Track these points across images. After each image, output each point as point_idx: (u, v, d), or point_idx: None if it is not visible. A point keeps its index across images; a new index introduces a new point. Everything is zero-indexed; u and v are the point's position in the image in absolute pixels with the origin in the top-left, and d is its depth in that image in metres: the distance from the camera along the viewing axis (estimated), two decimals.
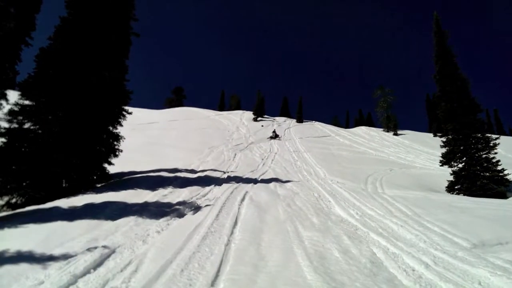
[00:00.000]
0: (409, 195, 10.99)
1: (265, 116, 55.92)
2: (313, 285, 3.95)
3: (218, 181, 12.41)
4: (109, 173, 12.22)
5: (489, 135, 14.65)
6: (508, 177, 13.40)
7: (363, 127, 47.51)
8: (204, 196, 9.95)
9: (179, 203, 8.79)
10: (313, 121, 54.16)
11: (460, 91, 15.24)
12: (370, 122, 63.00)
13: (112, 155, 12.33)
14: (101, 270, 4.50)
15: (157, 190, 10.24)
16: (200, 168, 15.31)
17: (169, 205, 8.63)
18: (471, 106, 14.95)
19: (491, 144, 14.04)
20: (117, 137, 12.55)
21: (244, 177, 14.02)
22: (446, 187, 13.82)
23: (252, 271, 4.44)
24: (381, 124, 45.86)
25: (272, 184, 12.36)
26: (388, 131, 41.79)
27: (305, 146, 27.55)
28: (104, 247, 5.25)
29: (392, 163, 20.80)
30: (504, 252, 5.50)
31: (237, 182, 12.31)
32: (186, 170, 14.47)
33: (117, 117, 12.67)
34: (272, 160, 20.27)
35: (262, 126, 43.11)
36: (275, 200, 9.60)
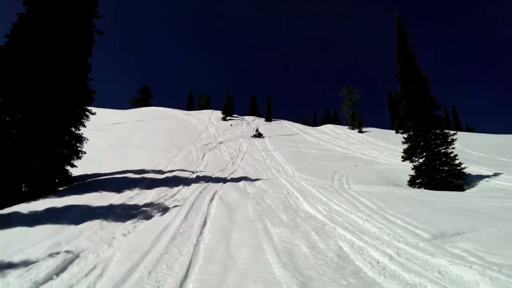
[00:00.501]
0: (373, 190, 11.36)
1: (234, 115, 55.81)
2: (282, 281, 3.99)
3: (186, 181, 12.26)
4: (72, 175, 11.74)
5: (447, 131, 15.40)
6: (464, 170, 14.18)
7: (329, 125, 48.62)
8: (172, 197, 9.79)
9: (146, 205, 8.60)
10: (282, 120, 54.72)
11: (421, 89, 15.92)
12: (336, 120, 64.62)
13: (75, 157, 11.86)
14: (65, 275, 4.32)
15: (123, 192, 9.96)
16: (168, 169, 15.05)
17: (135, 207, 8.42)
18: (430, 104, 15.66)
19: (449, 140, 14.80)
20: (80, 139, 12.08)
21: (214, 176, 13.93)
22: (408, 181, 14.41)
23: (221, 270, 4.43)
24: (346, 122, 47.16)
25: (241, 183, 12.37)
26: (353, 129, 42.98)
27: (274, 144, 27.78)
28: (68, 252, 5.05)
29: (358, 159, 21.42)
30: (461, 242, 5.82)
31: (206, 182, 12.21)
32: (154, 171, 14.18)
33: (79, 117, 12.19)
34: (242, 159, 20.28)
35: (231, 125, 42.98)
36: (245, 199, 9.62)
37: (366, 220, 7.41)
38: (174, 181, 12.09)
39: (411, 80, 16.07)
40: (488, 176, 14.08)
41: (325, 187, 11.95)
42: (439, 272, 4.40)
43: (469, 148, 24.49)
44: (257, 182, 12.75)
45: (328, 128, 44.97)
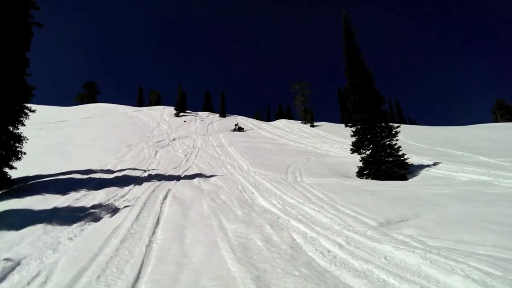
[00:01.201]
0: (325, 182, 11.76)
1: (188, 111, 54.84)
2: (237, 276, 4.00)
3: (138, 180, 11.84)
4: (11, 178, 10.83)
5: (392, 124, 16.32)
6: (407, 161, 15.12)
7: (283, 120, 49.43)
8: (122, 197, 9.40)
9: (94, 206, 8.18)
10: (236, 115, 54.70)
11: (367, 85, 16.69)
12: (289, 115, 65.75)
13: (13, 158, 10.93)
14: (4, 286, 3.99)
15: (68, 194, 9.38)
16: (118, 168, 14.43)
17: (83, 209, 7.98)
18: (376, 98, 16.48)
19: (393, 132, 15.68)
20: (19, 138, 11.15)
21: (167, 174, 13.60)
22: (357, 172, 15.09)
23: (175, 269, 4.34)
24: (299, 117, 48.21)
25: (196, 180, 12.21)
26: (305, 123, 44.09)
27: (228, 140, 27.70)
28: (7, 259, 4.67)
29: (310, 153, 22.01)
30: (405, 228, 6.21)
31: (159, 180, 11.89)
32: (102, 171, 13.51)
33: (18, 115, 11.24)
34: (196, 155, 20.00)
35: (185, 121, 42.20)
36: (199, 196, 9.51)
37: (318, 211, 7.65)
38: (124, 181, 11.62)
39: (358, 75, 16.78)
40: (429, 166, 15.13)
41: (279, 181, 12.15)
42: (385, 258, 4.66)
43: (411, 139, 26.12)
44: (212, 178, 12.65)
45: (282, 123, 45.70)
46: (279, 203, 8.74)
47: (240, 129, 34.88)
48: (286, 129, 38.47)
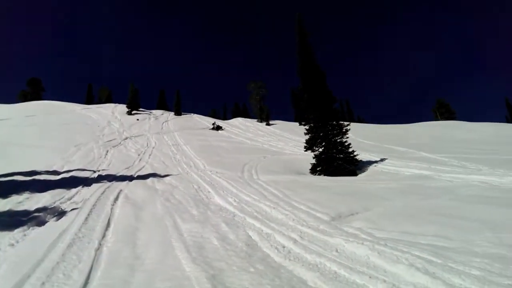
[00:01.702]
0: (280, 179, 11.96)
1: (141, 109, 53.14)
2: (192, 276, 3.96)
3: (87, 182, 11.27)
4: None
5: (343, 122, 17.00)
6: (357, 157, 15.83)
7: (239, 119, 49.55)
8: (70, 199, 8.90)
9: (38, 210, 7.66)
10: (192, 114, 53.94)
11: (319, 84, 17.21)
12: (246, 113, 66.05)
13: None
14: None
15: (9, 197, 8.69)
16: (65, 169, 13.61)
17: (26, 213, 7.44)
18: (328, 97, 17.05)
19: (344, 130, 16.33)
20: None
21: (118, 174, 13.08)
22: (310, 169, 15.51)
23: (127, 272, 4.20)
24: (255, 115, 48.64)
25: (149, 180, 11.88)
26: (261, 122, 44.55)
27: (184, 139, 27.24)
28: None
29: (266, 151, 22.28)
30: (355, 221, 6.50)
31: (110, 181, 11.41)
32: (47, 172, 12.67)
33: None
34: (150, 155, 19.43)
35: (138, 120, 40.84)
36: (153, 196, 9.27)
37: (274, 208, 7.77)
38: (72, 182, 11.00)
39: (311, 75, 17.24)
40: (376, 162, 15.95)
41: (235, 179, 12.16)
42: (337, 251, 4.85)
43: (360, 137, 27.34)
44: (167, 178, 12.38)
45: (238, 121, 45.79)
46: (235, 201, 8.76)
47: (218, 127, 34.93)
48: (242, 127, 38.62)
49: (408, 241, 5.01)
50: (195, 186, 10.87)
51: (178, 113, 52.02)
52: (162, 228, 6.30)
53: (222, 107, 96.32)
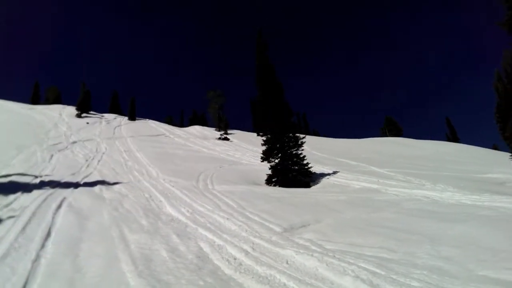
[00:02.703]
0: (236, 189, 11.93)
1: (92, 112, 50.80)
2: None
3: (27, 187, 10.49)
4: None
5: (299, 134, 17.41)
6: (311, 169, 16.24)
7: (197, 126, 48.99)
8: (6, 206, 8.20)
9: None
10: (147, 119, 52.48)
11: (277, 96, 17.55)
12: (204, 121, 65.43)
13: None
14: None
15: None
16: (3, 173, 12.58)
17: None
18: (285, 110, 17.42)
19: (300, 143, 16.72)
20: None
21: (63, 181, 12.32)
22: (266, 180, 15.64)
23: (65, 286, 3.93)
24: (213, 124, 48.39)
25: (97, 187, 11.31)
26: (219, 130, 44.37)
27: (137, 145, 26.34)
28: None
29: (222, 160, 22.16)
30: (306, 233, 6.63)
31: (53, 187, 10.72)
32: None
33: None
34: (99, 161, 18.54)
35: (88, 123, 38.93)
36: (100, 205, 8.83)
37: (227, 218, 7.72)
38: (9, 188, 10.17)
39: (269, 87, 17.54)
40: (329, 174, 16.45)
41: (190, 188, 11.94)
42: (287, 263, 4.91)
43: (315, 150, 28.15)
44: (116, 186, 11.86)
45: (195, 129, 45.24)
46: (188, 211, 8.58)
47: (225, 138, 34.27)
48: (200, 136, 38.20)
49: (355, 253, 5.19)
50: (147, 195, 10.51)
51: (132, 118, 50.34)
52: (107, 239, 6.01)
53: (179, 114, 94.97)
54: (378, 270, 4.30)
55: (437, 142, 38.89)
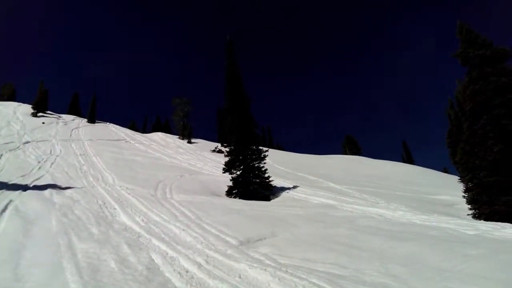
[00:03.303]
0: (194, 200, 11.74)
1: (49, 112, 48.30)
2: None
3: None
4: None
5: (262, 148, 17.53)
6: (272, 183, 16.37)
7: (160, 133, 47.86)
8: None
9: None
10: (108, 123, 50.65)
11: (243, 109, 17.65)
12: (167, 128, 64.10)
13: None
14: None
15: None
16: None
17: None
18: (251, 122, 17.54)
19: (262, 156, 16.84)
20: None
21: (11, 183, 11.57)
22: (226, 191, 15.54)
23: None
24: (177, 132, 47.54)
25: (47, 191, 10.70)
26: (183, 139, 43.67)
27: (95, 149, 25.30)
28: None
29: (184, 169, 21.78)
30: (262, 247, 6.62)
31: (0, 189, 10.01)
32: None
33: None
34: (52, 163, 17.60)
35: (44, 123, 36.97)
36: (49, 210, 8.36)
37: (183, 230, 7.55)
38: None
39: (236, 99, 17.61)
40: (289, 188, 16.65)
41: (147, 196, 11.60)
42: (240, 276, 4.85)
43: (277, 163, 28.43)
44: (68, 190, 11.28)
45: (158, 136, 44.19)
46: (143, 220, 8.31)
47: (220, 151, 31.11)
48: (162, 143, 37.35)
49: (308, 268, 5.24)
50: (100, 202, 10.07)
51: (92, 120, 48.39)
52: (53, 246, 5.66)
53: (142, 120, 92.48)
54: (328, 286, 4.36)
55: (393, 162, 40.63)
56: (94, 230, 6.98)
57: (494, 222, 9.81)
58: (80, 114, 56.75)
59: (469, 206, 12.38)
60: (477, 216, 11.80)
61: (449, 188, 20.84)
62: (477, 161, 12.01)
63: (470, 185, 12.69)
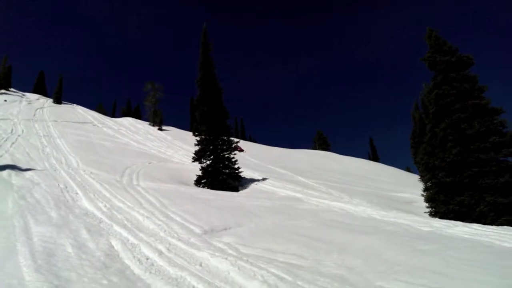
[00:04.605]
0: (161, 188, 11.61)
1: (12, 89, 45.89)
2: (31, 286, 3.49)
3: None
4: None
5: (233, 138, 17.53)
6: (241, 174, 16.45)
7: (129, 119, 46.58)
8: None
9: None
10: (75, 105, 48.75)
11: (216, 98, 17.53)
12: (138, 114, 62.53)
13: None
14: None
15: None
16: None
17: None
18: (223, 112, 17.45)
19: (233, 146, 16.86)
20: None
21: None
22: (195, 180, 15.46)
23: None
24: (148, 118, 46.43)
25: (5, 172, 10.25)
26: (154, 125, 42.74)
27: (60, 131, 24.35)
28: None
29: (153, 156, 21.41)
30: (226, 236, 6.68)
31: None
32: None
33: None
34: (13, 143, 16.82)
35: (6, 101, 35.14)
36: (6, 191, 8.05)
37: (147, 217, 7.48)
38: None
39: (209, 88, 17.45)
40: (258, 180, 16.80)
41: (112, 182, 11.34)
42: (200, 265, 4.89)
43: (249, 155, 28.54)
44: (28, 172, 10.84)
45: (128, 121, 43.00)
46: (105, 206, 8.14)
47: (241, 150, 29.52)
48: (132, 129, 36.44)
49: (269, 258, 5.36)
50: (62, 186, 9.75)
51: (58, 101, 46.39)
52: (7, 229, 5.46)
53: (112, 104, 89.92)
54: (286, 276, 4.49)
55: (360, 159, 41.82)
56: (53, 214, 6.77)
57: (447, 220, 10.37)
58: (46, 94, 54.30)
59: (427, 204, 12.99)
60: (433, 214, 12.42)
61: (410, 187, 21.76)
62: (437, 162, 12.62)
63: (429, 184, 13.34)
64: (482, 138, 11.64)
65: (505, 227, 9.44)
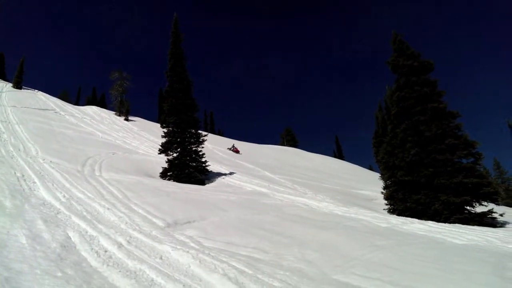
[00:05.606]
0: (125, 179, 11.35)
1: None
2: None
3: None
4: None
5: (201, 132, 17.38)
6: (208, 167, 16.39)
7: (94, 107, 44.87)
8: None
9: None
10: (36, 90, 46.30)
11: (185, 90, 17.28)
12: (103, 103, 60.40)
13: None
14: None
15: None
16: None
17: None
18: (191, 105, 17.24)
19: (201, 140, 16.73)
20: None
21: None
22: (161, 173, 15.22)
23: None
24: (114, 107, 44.94)
25: None
26: (120, 115, 41.46)
27: (19, 117, 23.08)
28: None
29: (117, 147, 20.82)
30: (189, 229, 6.67)
31: None
32: None
33: None
34: None
35: None
36: None
37: (108, 209, 7.31)
38: None
39: (178, 80, 17.19)
40: (225, 174, 16.81)
41: (72, 172, 10.95)
42: (161, 258, 4.86)
43: (217, 150, 28.43)
44: None
45: (92, 110, 41.42)
46: (64, 196, 7.86)
47: (236, 151, 30.72)
48: (96, 118, 35.17)
49: (231, 252, 5.41)
50: (18, 174, 9.29)
51: (18, 85, 43.90)
52: None
53: (76, 91, 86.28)
54: (246, 269, 4.56)
55: (326, 156, 42.88)
56: (7, 203, 6.45)
57: (404, 217, 10.92)
58: (4, 78, 51.27)
59: (386, 202, 13.58)
60: (392, 211, 13.00)
61: (372, 184, 22.61)
62: (396, 161, 13.20)
63: (389, 182, 13.94)
64: (439, 140, 12.28)
65: (457, 225, 10.09)
